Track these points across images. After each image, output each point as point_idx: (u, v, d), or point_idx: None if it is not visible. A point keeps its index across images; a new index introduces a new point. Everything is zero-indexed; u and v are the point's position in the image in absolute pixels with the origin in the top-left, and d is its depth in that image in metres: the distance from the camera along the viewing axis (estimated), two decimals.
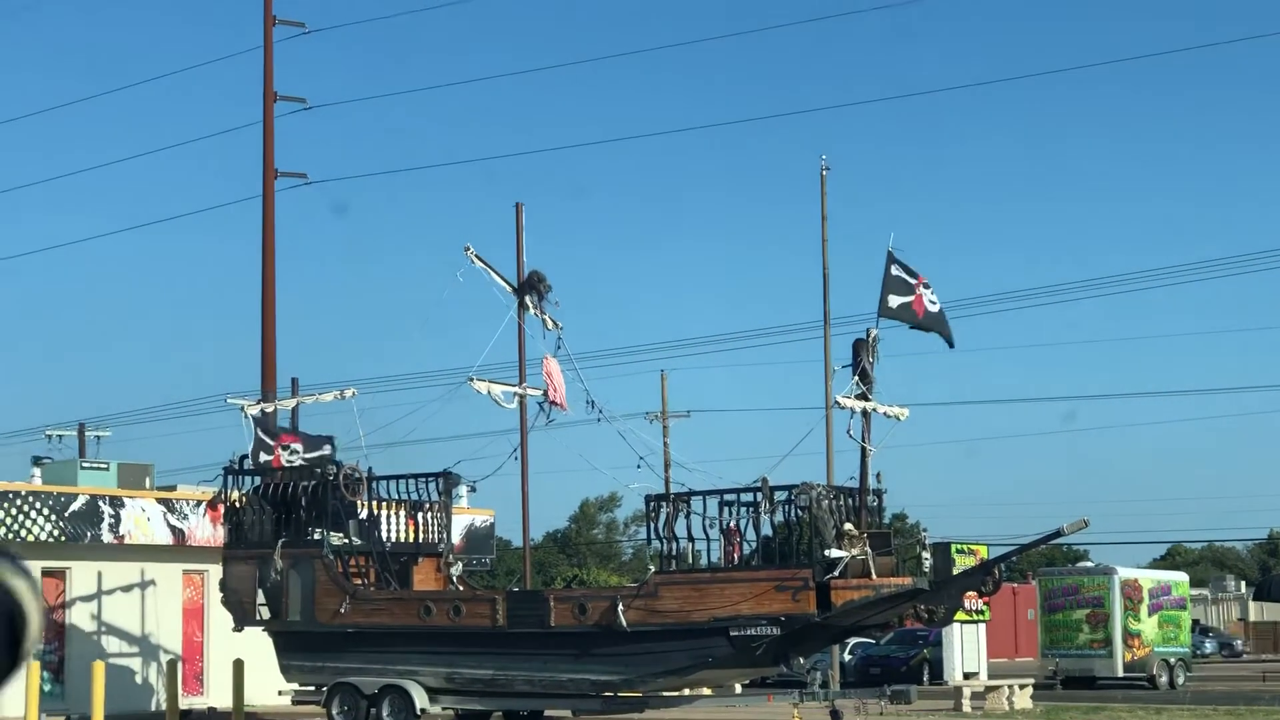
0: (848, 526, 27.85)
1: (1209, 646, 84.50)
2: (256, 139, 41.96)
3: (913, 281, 28.81)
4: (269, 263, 40.83)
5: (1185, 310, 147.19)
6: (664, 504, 29.11)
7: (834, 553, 27.40)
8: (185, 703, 36.35)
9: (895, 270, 28.83)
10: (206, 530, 37.42)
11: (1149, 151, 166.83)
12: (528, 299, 33.20)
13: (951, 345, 29.43)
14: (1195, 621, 78.48)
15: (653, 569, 29.59)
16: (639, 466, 31.23)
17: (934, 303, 28.87)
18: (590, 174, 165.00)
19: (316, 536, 31.80)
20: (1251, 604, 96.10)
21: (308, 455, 32.69)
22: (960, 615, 34.93)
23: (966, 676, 43.74)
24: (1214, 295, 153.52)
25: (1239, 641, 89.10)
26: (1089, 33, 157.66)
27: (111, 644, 37.17)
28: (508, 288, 33.35)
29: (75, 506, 35.91)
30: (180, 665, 36.67)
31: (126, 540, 36.62)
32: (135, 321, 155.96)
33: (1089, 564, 56.28)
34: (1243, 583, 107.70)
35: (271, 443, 33.35)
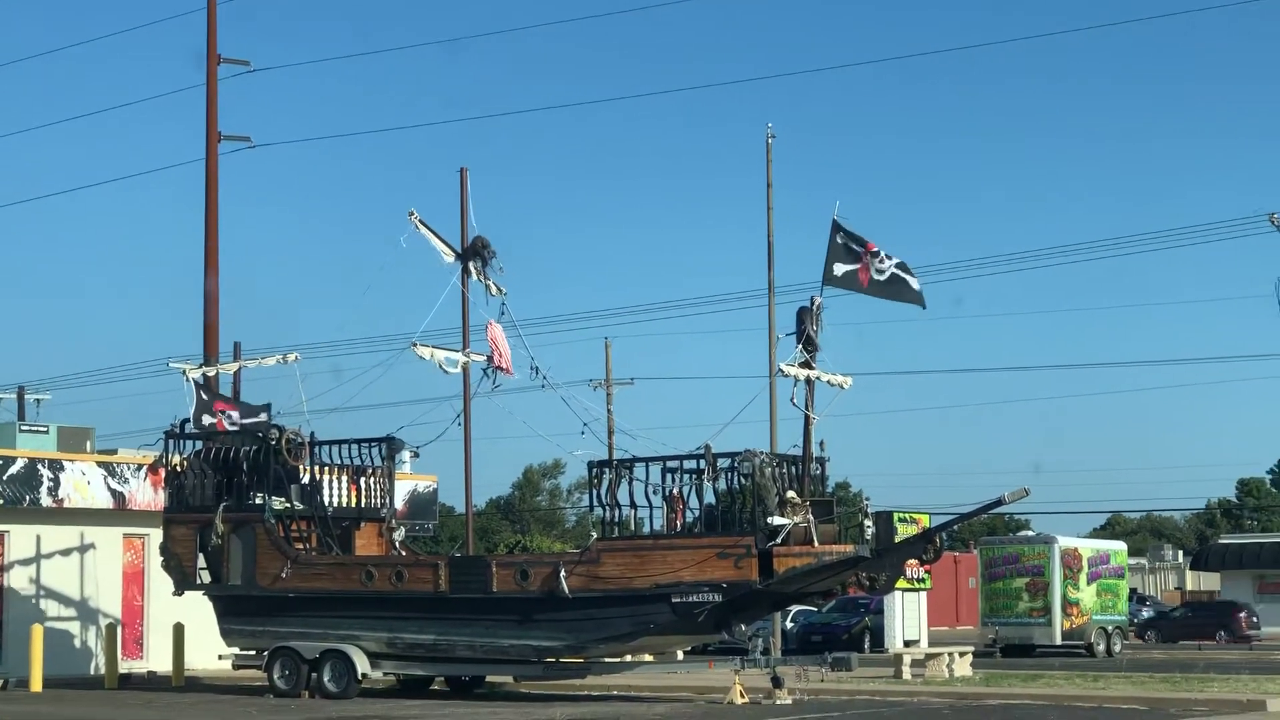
0: (790, 494, 27.91)
1: (1146, 615, 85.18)
2: (201, 101, 41.67)
3: (859, 250, 28.77)
4: (212, 226, 40.56)
5: (1125, 283, 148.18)
6: (607, 470, 29.09)
7: (776, 520, 27.45)
8: (125, 666, 36.22)
9: (840, 238, 28.81)
10: (147, 494, 37.24)
11: (1100, 123, 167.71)
12: (471, 265, 33.08)
13: (923, 307, 29.20)
14: (1133, 590, 79.17)
15: (595, 535, 29.59)
16: (583, 433, 31.21)
17: (881, 271, 28.81)
18: (537, 141, 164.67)
19: (258, 501, 31.66)
20: (1189, 573, 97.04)
21: (244, 420, 32.59)
22: (901, 583, 35.00)
23: (907, 644, 43.93)
24: (1152, 269, 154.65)
25: (1176, 610, 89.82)
26: (1036, 4, 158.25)
27: (50, 608, 36.97)
28: (451, 253, 33.20)
29: (14, 470, 35.64)
30: (120, 629, 36.52)
31: (66, 504, 36.41)
32: (76, 284, 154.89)
33: (1029, 533, 56.72)
34: (1180, 552, 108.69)
35: (215, 405, 33.22)
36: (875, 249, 28.75)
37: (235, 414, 32.87)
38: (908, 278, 28.91)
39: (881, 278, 28.80)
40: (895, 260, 28.83)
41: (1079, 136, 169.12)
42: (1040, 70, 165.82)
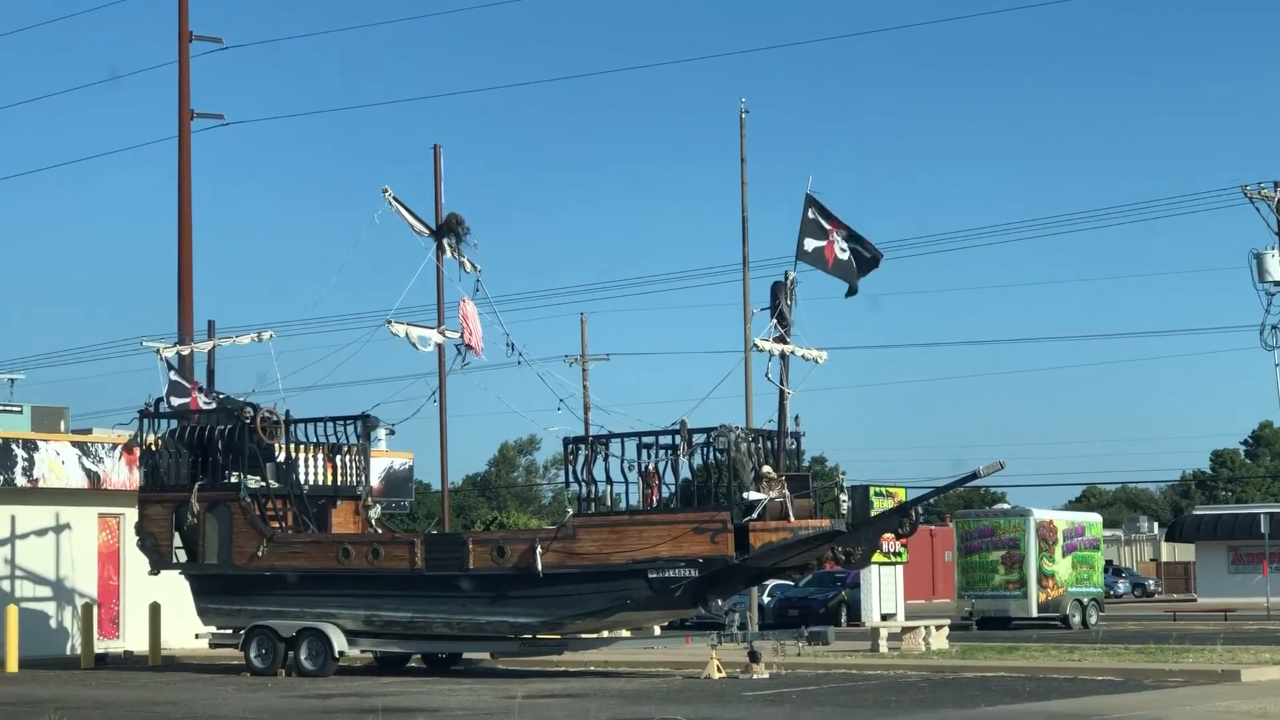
0: (766, 469, 27.95)
1: (1122, 587, 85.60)
2: (174, 79, 41.50)
3: (827, 227, 28.81)
4: (185, 204, 40.43)
5: (1099, 256, 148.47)
6: (582, 446, 29.10)
7: (752, 495, 27.50)
8: (101, 646, 36.18)
9: (812, 214, 28.84)
10: (122, 473, 37.17)
11: (1074, 97, 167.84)
12: (446, 241, 33.03)
13: (853, 292, 29.23)
14: (1109, 562, 79.49)
15: (571, 511, 29.59)
16: (558, 409, 31.25)
17: (844, 250, 28.87)
18: (510, 117, 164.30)
19: (234, 479, 31.62)
20: (1164, 544, 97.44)
21: (215, 397, 32.58)
22: (878, 557, 35.17)
23: (884, 618, 44.07)
24: (1126, 241, 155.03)
25: (1151, 581, 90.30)
26: None
27: (25, 588, 36.90)
28: (426, 230, 33.15)
29: None
30: (96, 609, 36.47)
31: (41, 484, 36.32)
32: (50, 263, 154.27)
33: (1005, 506, 56.85)
34: (1155, 524, 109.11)
35: (188, 385, 33.14)
36: (843, 227, 28.80)
37: (203, 396, 32.81)
38: (854, 263, 29.05)
39: (844, 256, 28.88)
40: (847, 245, 28.93)
41: (1052, 110, 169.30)
42: (1018, 45, 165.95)
